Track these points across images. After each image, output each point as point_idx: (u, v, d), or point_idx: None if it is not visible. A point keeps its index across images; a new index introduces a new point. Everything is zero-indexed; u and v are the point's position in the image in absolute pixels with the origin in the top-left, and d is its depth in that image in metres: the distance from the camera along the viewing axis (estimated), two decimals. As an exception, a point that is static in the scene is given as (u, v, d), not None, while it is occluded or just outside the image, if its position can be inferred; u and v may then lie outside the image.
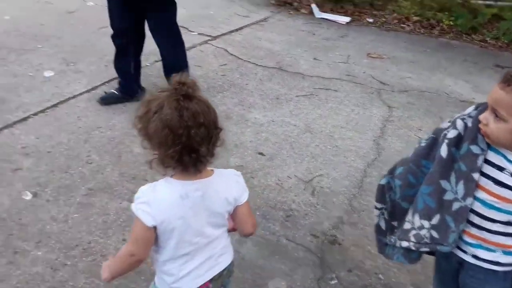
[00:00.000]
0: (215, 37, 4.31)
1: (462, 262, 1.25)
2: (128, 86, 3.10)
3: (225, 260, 1.23)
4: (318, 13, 5.30)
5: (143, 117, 1.04)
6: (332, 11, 5.45)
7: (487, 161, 1.15)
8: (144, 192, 1.08)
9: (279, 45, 4.35)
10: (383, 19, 5.38)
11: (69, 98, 3.02)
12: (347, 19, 5.26)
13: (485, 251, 1.21)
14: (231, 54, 4.00)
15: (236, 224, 1.23)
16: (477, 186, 1.16)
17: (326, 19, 5.22)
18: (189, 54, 3.86)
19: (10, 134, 2.63)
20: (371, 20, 5.33)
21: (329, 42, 4.57)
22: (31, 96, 3.01)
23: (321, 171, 2.59)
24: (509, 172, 1.12)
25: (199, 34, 4.34)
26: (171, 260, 1.14)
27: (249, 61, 3.91)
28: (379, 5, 5.62)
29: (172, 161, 1.03)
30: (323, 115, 3.19)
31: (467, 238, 1.22)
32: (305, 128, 3.01)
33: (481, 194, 1.16)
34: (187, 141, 1.00)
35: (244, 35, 4.49)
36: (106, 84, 3.26)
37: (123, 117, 2.88)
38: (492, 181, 1.14)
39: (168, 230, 1.08)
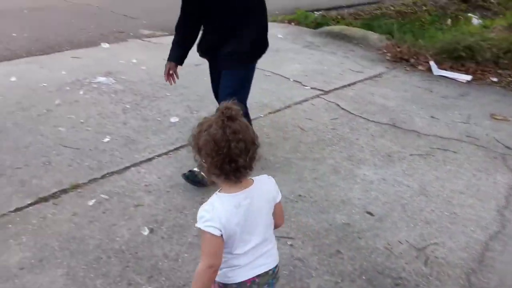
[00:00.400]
0: (327, 92, 4.39)
1: None
2: None
3: (273, 260, 1.46)
4: (436, 70, 5.13)
5: (196, 135, 1.30)
6: (451, 68, 5.22)
7: None
8: (206, 211, 1.29)
9: (394, 101, 4.27)
10: (510, 78, 5.01)
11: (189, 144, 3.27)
12: (468, 77, 4.99)
13: None
14: (343, 109, 4.02)
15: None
16: None
17: (445, 76, 5.02)
18: (301, 107, 3.99)
19: (136, 172, 2.90)
20: (495, 79, 4.99)
21: (448, 101, 4.36)
22: (157, 138, 3.32)
23: (436, 239, 2.42)
24: None
25: (311, 88, 4.45)
26: (230, 255, 1.36)
27: (360, 116, 3.89)
28: (505, 63, 5.25)
29: (216, 169, 1.26)
30: (440, 178, 3.00)
31: None
32: (420, 190, 2.86)
33: None
34: (228, 152, 1.23)
35: (357, 90, 4.50)
36: (223, 131, 3.47)
37: (236, 164, 3.02)
38: None
39: (229, 235, 1.30)
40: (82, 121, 3.46)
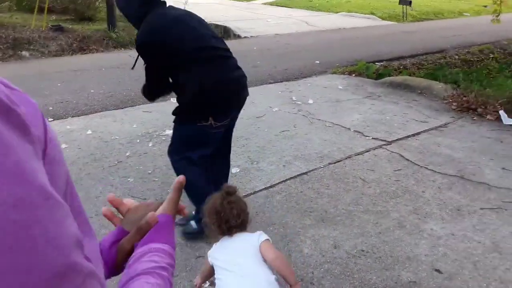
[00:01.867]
0: (390, 142, 4.30)
1: None
2: None
3: None
4: (506, 120, 4.87)
5: (208, 205, 1.86)
6: (524, 117, 4.95)
7: None
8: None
9: (461, 152, 4.08)
10: None
11: (249, 194, 3.31)
12: (544, 126, 4.69)
13: None
14: (407, 160, 3.90)
15: None
16: None
17: (518, 125, 4.75)
18: (363, 158, 3.93)
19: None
20: None
21: (522, 151, 4.10)
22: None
23: None
24: None
25: (373, 138, 4.39)
26: None
27: (426, 168, 3.75)
28: None
29: (216, 228, 1.83)
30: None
31: None
32: (493, 247, 2.65)
33: None
34: (224, 216, 1.79)
35: (421, 141, 4.37)
36: (283, 183, 3.49)
37: (296, 216, 3.00)
38: None
39: None
40: (149, 172, 3.64)
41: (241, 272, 1.75)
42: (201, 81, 2.46)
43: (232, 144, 4.21)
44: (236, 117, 2.81)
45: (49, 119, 4.90)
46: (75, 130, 4.54)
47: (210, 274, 1.93)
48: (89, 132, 4.50)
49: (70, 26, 10.15)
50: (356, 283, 2.38)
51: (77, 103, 5.45)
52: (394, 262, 2.54)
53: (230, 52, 2.68)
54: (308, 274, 2.44)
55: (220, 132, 2.63)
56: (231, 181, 3.51)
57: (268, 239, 1.82)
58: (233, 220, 1.79)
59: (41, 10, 9.93)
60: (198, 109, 2.52)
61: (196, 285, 2.04)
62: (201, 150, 2.63)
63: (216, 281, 1.82)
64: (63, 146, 4.10)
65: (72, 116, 5.02)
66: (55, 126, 4.67)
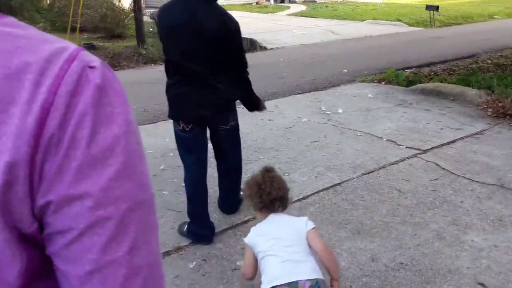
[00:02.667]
0: (424, 151, 4.22)
1: None
2: None
3: None
4: (547, 125, 4.71)
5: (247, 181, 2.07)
6: None
7: None
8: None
9: (499, 159, 3.96)
10: None
11: (283, 206, 3.30)
12: None
13: None
14: (443, 169, 3.81)
15: None
16: None
17: (559, 131, 4.58)
18: (397, 168, 3.87)
19: (233, 235, 2.98)
20: None
21: None
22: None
23: None
24: None
25: (407, 147, 4.32)
26: None
27: (463, 176, 3.65)
28: None
29: (258, 200, 1.91)
30: None
31: None
32: (540, 260, 2.55)
33: None
34: (265, 187, 1.88)
35: (457, 149, 4.26)
36: (316, 194, 3.46)
37: (331, 228, 2.97)
38: None
39: None
40: (183, 185, 3.67)
41: (286, 257, 1.72)
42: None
43: (262, 156, 4.25)
44: (218, 127, 2.95)
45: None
46: (110, 145, 4.65)
47: (255, 261, 1.86)
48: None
49: (101, 44, 10.47)
50: (397, 297, 2.33)
51: (110, 119, 5.59)
52: (435, 275, 2.48)
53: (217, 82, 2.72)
54: (345, 287, 2.40)
55: (195, 137, 2.85)
56: (264, 193, 3.51)
57: (316, 228, 1.83)
58: (274, 192, 1.85)
59: (73, 30, 10.29)
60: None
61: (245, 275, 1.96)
62: (187, 155, 2.97)
63: (260, 267, 1.80)
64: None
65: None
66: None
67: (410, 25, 14.71)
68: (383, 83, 7.06)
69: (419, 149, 4.25)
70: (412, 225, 2.98)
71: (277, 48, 11.24)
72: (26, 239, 0.47)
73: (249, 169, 3.95)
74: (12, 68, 0.46)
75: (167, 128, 5.03)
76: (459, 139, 4.49)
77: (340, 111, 5.55)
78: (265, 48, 11.74)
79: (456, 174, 3.70)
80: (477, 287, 2.37)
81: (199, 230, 2.90)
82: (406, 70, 7.75)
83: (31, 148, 0.45)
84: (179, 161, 4.14)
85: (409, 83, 6.88)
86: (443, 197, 3.33)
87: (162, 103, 6.29)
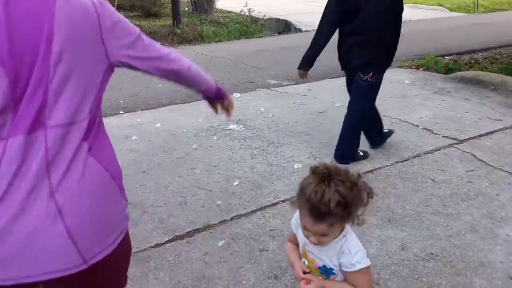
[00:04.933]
0: (461, 141, 4.09)
1: None
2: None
3: None
4: None
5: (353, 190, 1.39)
6: None
7: None
8: (360, 248, 1.39)
9: (541, 153, 3.80)
10: None
11: (313, 190, 3.29)
12: None
13: None
14: (480, 160, 3.70)
15: None
16: None
17: None
18: (432, 157, 3.78)
19: (262, 216, 3.00)
20: None
21: None
22: (281, 184, 3.41)
23: None
24: None
25: (443, 137, 4.20)
26: None
27: (501, 169, 3.53)
28: None
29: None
30: None
31: None
32: None
33: None
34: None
35: (495, 140, 4.12)
36: (347, 180, 3.43)
37: (361, 215, 2.95)
38: None
39: None
40: (214, 164, 3.73)
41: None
42: None
43: (293, 140, 4.24)
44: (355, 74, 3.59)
45: (121, 112, 5.16)
46: (145, 123, 4.75)
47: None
48: (158, 125, 4.68)
49: (137, 22, 10.56)
50: (425, 287, 2.30)
51: (146, 97, 5.70)
52: (466, 268, 2.43)
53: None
54: (374, 275, 2.39)
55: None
56: (294, 177, 3.52)
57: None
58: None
59: (111, 7, 10.42)
60: None
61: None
62: None
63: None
64: (134, 138, 4.30)
65: (142, 110, 5.26)
66: (126, 119, 4.91)
67: (452, 10, 14.16)
68: (421, 69, 6.86)
69: (455, 139, 4.13)
70: (445, 216, 2.92)
71: (312, 30, 11.05)
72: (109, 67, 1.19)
73: (279, 152, 3.96)
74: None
75: (199, 109, 5.09)
76: (498, 130, 4.33)
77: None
78: (300, 30, 11.59)
79: (493, 166, 3.58)
80: (510, 282, 2.31)
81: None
82: (445, 57, 7.49)
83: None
84: (210, 142, 4.21)
85: (448, 70, 6.66)
86: (479, 189, 3.24)
87: (196, 83, 6.36)
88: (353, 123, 3.70)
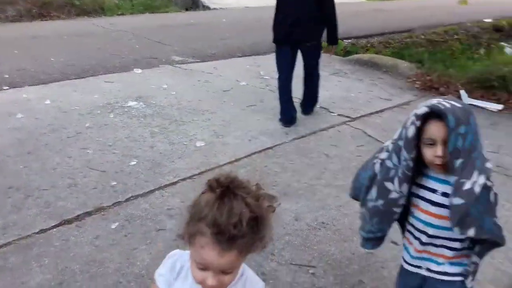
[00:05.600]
0: (354, 119, 4.35)
1: (423, 277, 1.50)
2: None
3: None
4: (466, 99, 5.00)
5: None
6: (482, 97, 5.09)
7: (422, 186, 1.42)
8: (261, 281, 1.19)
9: (422, 130, 4.17)
10: (546, 108, 4.83)
11: (214, 168, 3.28)
12: (499, 106, 4.85)
13: (434, 264, 1.47)
14: (369, 136, 3.96)
15: None
16: (419, 209, 1.43)
17: (476, 105, 4.88)
18: (327, 134, 3.96)
19: (160, 196, 2.92)
20: (529, 109, 4.84)
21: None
22: (182, 162, 3.34)
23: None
24: (440, 192, 1.37)
25: (338, 115, 4.42)
26: None
27: (388, 145, 3.81)
28: (541, 93, 5.09)
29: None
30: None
31: (418, 254, 1.48)
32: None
33: (422, 215, 1.42)
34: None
35: (384, 118, 4.43)
36: (248, 157, 3.47)
37: (259, 190, 3.00)
38: (429, 203, 1.40)
39: None
40: (110, 144, 3.54)
41: None
42: None
43: (197, 118, 4.18)
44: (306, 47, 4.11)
45: (4, 88, 4.67)
46: (33, 99, 4.35)
47: None
48: (48, 102, 4.31)
49: (29, -9, 9.62)
50: (316, 254, 2.41)
51: (35, 72, 5.21)
52: (353, 234, 2.59)
53: None
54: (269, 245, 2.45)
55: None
56: (195, 155, 3.47)
57: None
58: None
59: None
60: None
61: None
62: None
63: None
64: (19, 116, 3.92)
65: (30, 85, 4.80)
66: (11, 95, 4.46)
67: (353, -4, 14.84)
68: (322, 51, 7.11)
69: (349, 117, 4.37)
70: (336, 187, 3.08)
71: (220, 8, 10.96)
72: None
73: (182, 130, 3.88)
74: None
75: (95, 84, 4.80)
76: (387, 109, 4.67)
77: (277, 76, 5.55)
78: (208, 8, 11.41)
79: (381, 142, 3.84)
80: (390, 244, 2.50)
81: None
82: (344, 41, 7.87)
83: None
84: (106, 120, 3.99)
85: (346, 53, 7.01)
86: (368, 163, 3.47)
87: (92, 57, 5.98)
88: (317, 83, 4.38)
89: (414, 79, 5.70)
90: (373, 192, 1.48)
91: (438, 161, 1.31)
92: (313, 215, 2.76)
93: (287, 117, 4.13)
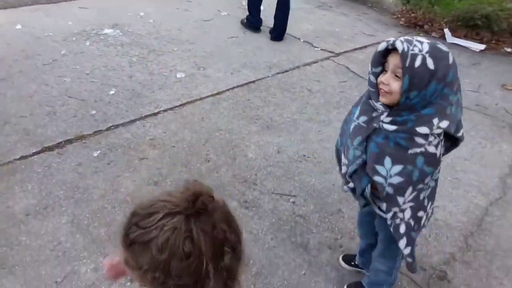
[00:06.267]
0: (337, 54, 4.30)
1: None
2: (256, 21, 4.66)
3: None
4: (450, 38, 5.00)
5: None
6: (465, 37, 5.09)
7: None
8: None
9: (404, 67, 4.18)
10: (526, 49, 4.88)
11: (195, 100, 3.24)
12: (481, 46, 4.87)
13: (378, 199, 1.47)
14: (352, 72, 3.95)
15: None
16: None
17: (458, 44, 4.89)
18: (310, 69, 3.93)
19: (142, 126, 2.90)
20: (509, 50, 4.87)
21: (459, 69, 4.23)
22: (163, 93, 3.29)
23: (437, 203, 2.41)
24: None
25: (322, 50, 4.36)
26: None
27: (369, 81, 3.82)
28: (522, 33, 5.11)
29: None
30: (445, 145, 2.99)
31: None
32: (423, 156, 2.85)
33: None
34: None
35: (368, 54, 4.40)
36: (230, 90, 3.43)
37: (242, 123, 3.01)
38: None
39: None
40: (87, 72, 3.43)
41: None
42: None
43: (176, 48, 4.05)
44: None
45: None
46: (2, 24, 4.10)
47: None
48: (19, 26, 4.08)
49: None
50: (297, 184, 2.49)
51: (2, -6, 4.87)
52: (333, 167, 2.66)
53: None
54: (251, 176, 2.50)
55: None
56: (176, 86, 3.41)
57: None
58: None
59: None
60: None
61: None
62: None
63: None
64: (-12, 40, 3.72)
65: (-2, 9, 4.51)
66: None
67: None
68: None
69: (332, 52, 4.33)
70: (318, 122, 3.12)
71: None
72: None
73: (161, 61, 3.77)
74: None
75: (69, 10, 4.55)
76: (370, 45, 4.63)
77: (261, 8, 5.36)
78: None
79: (364, 78, 3.85)
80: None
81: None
82: (330, -28, 7.59)
83: None
84: (82, 47, 3.84)
85: (331, -14, 6.77)
86: (349, 98, 3.49)
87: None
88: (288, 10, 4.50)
89: (399, 15, 5.61)
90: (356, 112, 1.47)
91: (381, 86, 1.31)
92: (295, 148, 2.80)
93: (259, 24, 4.66)
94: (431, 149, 1.29)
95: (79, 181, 2.35)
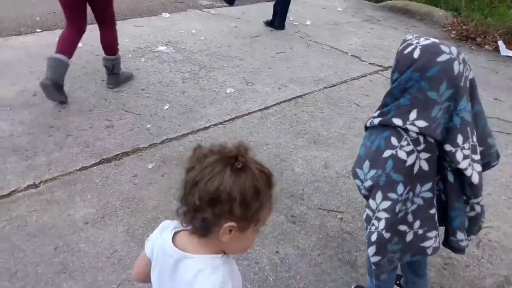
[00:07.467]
0: (386, 68, 4.27)
1: None
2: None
3: None
4: (504, 51, 4.83)
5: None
6: (522, 48, 4.91)
7: None
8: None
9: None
10: None
11: (244, 114, 3.33)
12: (540, 58, 4.68)
13: None
14: (401, 87, 3.90)
15: None
16: None
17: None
18: (359, 83, 3.93)
19: (194, 140, 3.01)
20: None
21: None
22: (214, 108, 3.39)
23: (491, 223, 2.35)
24: None
25: (370, 63, 4.35)
26: None
27: (419, 95, 3.76)
28: None
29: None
30: (500, 162, 2.88)
31: None
32: (476, 174, 2.76)
33: None
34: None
35: (417, 68, 4.34)
36: (278, 105, 3.49)
37: (289, 137, 3.06)
38: None
39: None
40: (143, 88, 3.61)
41: None
42: None
43: (226, 64, 4.17)
44: None
45: (37, 30, 4.73)
46: (65, 42, 4.39)
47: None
48: (80, 45, 4.34)
49: None
50: (344, 200, 2.49)
51: (65, 14, 5.22)
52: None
53: None
54: (298, 191, 2.54)
55: None
56: (226, 101, 3.51)
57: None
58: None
59: None
60: None
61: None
62: None
63: None
64: (54, 58, 3.99)
65: (61, 28, 4.82)
66: (43, 37, 4.51)
67: None
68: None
69: (381, 66, 4.30)
70: (366, 137, 3.11)
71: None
72: None
73: (212, 77, 3.90)
74: None
75: (125, 29, 4.80)
76: (420, 58, 4.55)
77: (308, 23, 5.43)
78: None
79: (413, 93, 3.81)
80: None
81: None
82: (378, -14, 7.55)
83: None
84: (138, 64, 4.03)
85: (378, -1, 6.75)
86: (398, 113, 3.45)
87: (120, 0, 5.92)
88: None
89: (450, 28, 5.50)
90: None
91: None
92: (343, 163, 2.81)
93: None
94: (401, 154, 1.29)
95: (135, 192, 2.47)
